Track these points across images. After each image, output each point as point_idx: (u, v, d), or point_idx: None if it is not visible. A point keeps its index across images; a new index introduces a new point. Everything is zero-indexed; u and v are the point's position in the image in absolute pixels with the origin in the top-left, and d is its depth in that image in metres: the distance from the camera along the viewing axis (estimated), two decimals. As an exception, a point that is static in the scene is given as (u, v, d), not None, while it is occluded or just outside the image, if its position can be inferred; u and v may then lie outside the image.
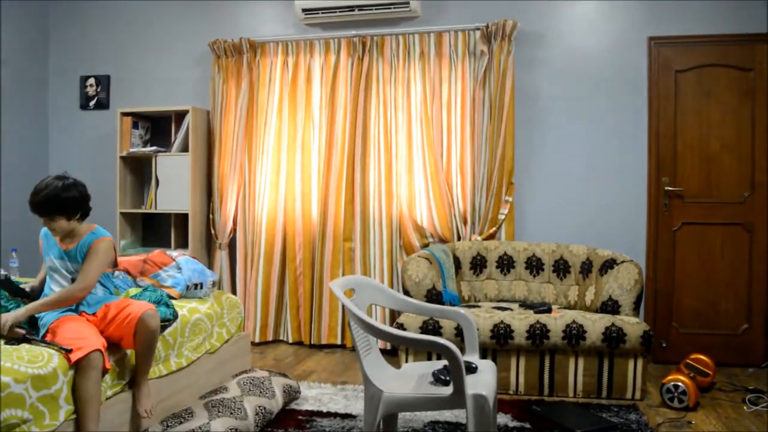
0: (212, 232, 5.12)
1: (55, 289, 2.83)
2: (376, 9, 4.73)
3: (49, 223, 2.76)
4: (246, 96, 4.99)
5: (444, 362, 2.77)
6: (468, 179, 4.67)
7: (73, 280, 2.81)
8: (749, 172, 4.38)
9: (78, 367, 2.49)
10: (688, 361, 3.83)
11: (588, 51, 4.61)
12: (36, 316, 2.76)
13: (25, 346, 2.50)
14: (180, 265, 3.59)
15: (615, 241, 4.54)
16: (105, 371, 2.58)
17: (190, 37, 5.30)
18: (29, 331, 2.62)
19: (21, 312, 2.62)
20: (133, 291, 3.25)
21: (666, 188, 4.47)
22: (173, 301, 3.28)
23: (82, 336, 2.56)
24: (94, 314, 2.80)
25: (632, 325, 3.63)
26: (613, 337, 3.61)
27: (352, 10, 4.76)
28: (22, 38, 5.30)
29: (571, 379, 3.72)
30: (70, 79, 5.57)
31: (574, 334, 3.64)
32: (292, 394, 3.51)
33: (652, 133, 4.50)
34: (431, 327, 3.80)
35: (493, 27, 4.50)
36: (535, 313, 3.83)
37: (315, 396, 3.68)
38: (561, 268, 4.32)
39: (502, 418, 3.34)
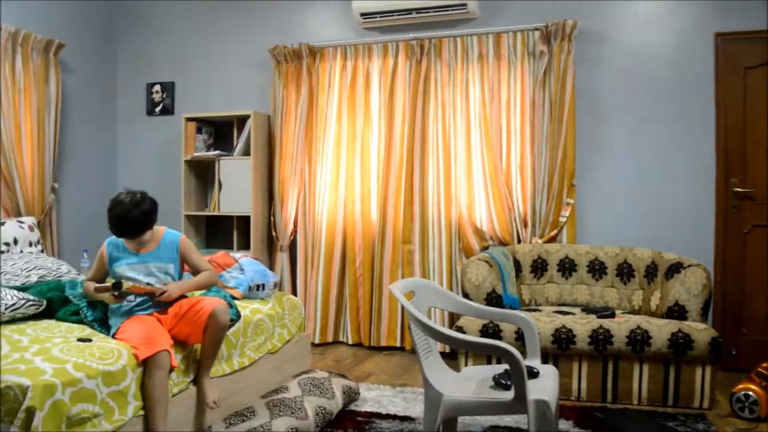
0: (273, 234, 5.21)
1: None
2: (433, 11, 4.72)
3: (136, 239, 2.86)
4: (306, 100, 5.06)
5: (504, 366, 2.74)
6: (528, 181, 4.61)
7: (147, 284, 2.90)
8: (826, 172, 4.19)
9: (146, 367, 2.57)
10: (759, 369, 3.67)
11: (651, 49, 4.49)
12: (107, 315, 2.88)
13: (96, 344, 2.60)
14: (243, 266, 3.66)
15: (681, 245, 4.40)
16: (171, 369, 2.66)
17: (251, 43, 5.41)
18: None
19: (178, 283, 2.96)
20: (199, 291, 3.33)
21: (735, 189, 4.31)
22: (236, 302, 3.36)
23: (151, 336, 2.65)
24: (165, 312, 2.89)
25: (700, 331, 3.52)
26: (680, 343, 3.50)
27: (410, 13, 4.77)
28: (90, 48, 5.51)
29: (635, 386, 3.63)
30: (137, 86, 5.76)
31: (639, 339, 3.55)
32: (351, 396, 3.53)
33: (720, 133, 4.35)
34: (491, 330, 3.77)
35: (553, 27, 4.43)
36: (598, 317, 3.76)
37: (374, 398, 3.70)
38: (624, 271, 4.22)
39: (564, 425, 3.29)
